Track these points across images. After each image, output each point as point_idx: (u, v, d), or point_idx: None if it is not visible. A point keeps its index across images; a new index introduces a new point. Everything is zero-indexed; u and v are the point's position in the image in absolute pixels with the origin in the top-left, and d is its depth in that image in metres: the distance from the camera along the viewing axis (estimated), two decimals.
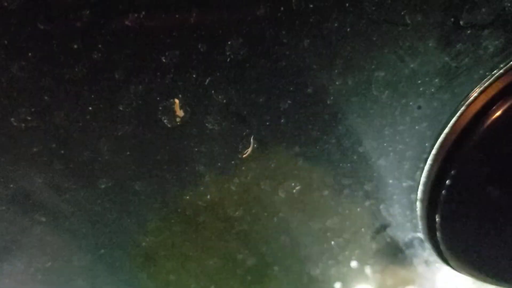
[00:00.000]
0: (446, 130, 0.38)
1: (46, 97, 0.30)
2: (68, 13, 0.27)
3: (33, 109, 0.30)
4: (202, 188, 0.38)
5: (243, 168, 0.37)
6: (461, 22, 0.32)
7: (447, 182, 0.38)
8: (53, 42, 0.28)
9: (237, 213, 0.40)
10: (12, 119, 0.31)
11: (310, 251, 0.45)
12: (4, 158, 0.32)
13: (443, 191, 0.38)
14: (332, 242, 0.45)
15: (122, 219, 0.38)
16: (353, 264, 0.48)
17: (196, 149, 0.35)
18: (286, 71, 0.33)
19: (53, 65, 0.29)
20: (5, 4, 0.26)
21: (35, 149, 0.32)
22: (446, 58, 0.34)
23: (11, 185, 0.34)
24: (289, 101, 0.34)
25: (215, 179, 0.37)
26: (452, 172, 0.38)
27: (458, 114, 0.37)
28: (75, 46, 0.29)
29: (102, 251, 0.40)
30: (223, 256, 0.43)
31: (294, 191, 0.40)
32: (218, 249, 0.43)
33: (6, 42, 0.28)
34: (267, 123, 0.35)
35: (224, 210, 0.40)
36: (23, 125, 0.31)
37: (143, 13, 0.28)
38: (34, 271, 0.40)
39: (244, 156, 0.36)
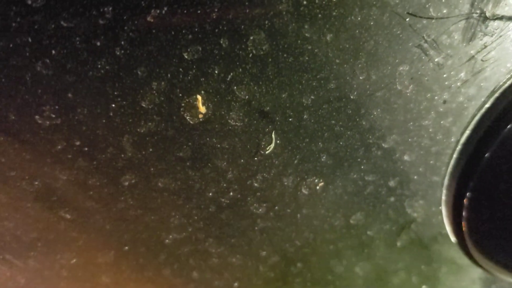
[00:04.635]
0: (472, 125, 0.37)
1: (69, 94, 0.30)
2: (91, 10, 0.28)
3: (57, 107, 0.31)
4: (224, 185, 0.38)
5: (266, 164, 0.37)
6: (487, 14, 0.32)
7: (474, 178, 0.38)
8: (76, 39, 0.28)
9: (260, 210, 0.40)
10: (37, 116, 0.31)
11: (334, 248, 0.45)
12: (29, 155, 0.33)
13: (469, 187, 0.38)
14: (356, 239, 0.45)
15: (146, 216, 0.38)
16: (378, 261, 0.47)
17: (218, 146, 0.35)
18: (308, 66, 0.32)
19: (76, 63, 0.29)
20: (29, 2, 0.27)
21: (59, 147, 0.33)
22: (472, 52, 0.34)
23: (36, 182, 0.34)
24: (312, 97, 0.34)
25: (238, 176, 0.37)
26: (479, 167, 0.37)
27: (484, 108, 0.36)
28: (98, 43, 0.29)
29: (126, 248, 0.40)
30: (246, 253, 0.43)
31: (318, 187, 0.40)
32: (241, 246, 0.42)
33: (30, 40, 0.28)
34: (290, 119, 0.35)
35: (247, 207, 0.40)
36: (47, 122, 0.31)
37: (165, 9, 0.28)
38: (59, 268, 0.40)
39: (266, 152, 0.36)
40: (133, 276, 0.43)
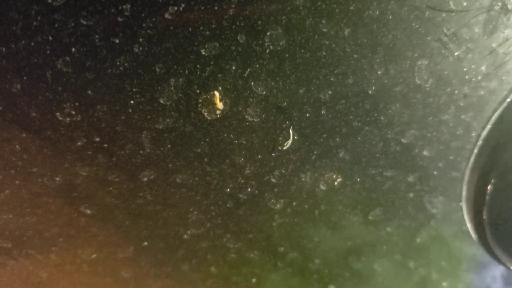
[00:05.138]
0: (493, 120, 0.37)
1: (89, 92, 0.31)
2: (110, 8, 0.28)
3: (77, 104, 0.31)
4: (242, 181, 0.38)
5: (283, 160, 0.37)
6: (509, 7, 0.31)
7: (495, 173, 0.37)
8: (95, 37, 0.29)
9: (277, 205, 0.40)
10: (58, 113, 0.31)
11: (352, 244, 0.45)
12: (50, 152, 0.33)
13: (490, 182, 0.37)
14: (375, 236, 0.44)
15: (164, 212, 0.39)
16: (397, 257, 0.47)
17: (236, 142, 0.35)
18: (326, 61, 0.32)
19: (96, 60, 0.30)
20: (50, 1, 0.27)
21: (79, 143, 0.33)
22: (493, 45, 0.33)
23: (57, 178, 0.35)
24: (329, 92, 0.34)
25: (255, 172, 0.37)
26: (500, 163, 0.36)
27: (506, 102, 0.36)
28: (117, 41, 0.29)
29: (145, 243, 0.41)
30: (264, 249, 0.43)
31: (335, 183, 0.40)
32: (259, 241, 0.43)
33: (50, 38, 0.28)
34: (307, 115, 0.35)
35: (265, 202, 0.40)
36: (68, 119, 0.32)
37: (183, 6, 0.29)
38: (80, 262, 0.41)
39: (284, 148, 0.36)
40: (152, 271, 0.43)
